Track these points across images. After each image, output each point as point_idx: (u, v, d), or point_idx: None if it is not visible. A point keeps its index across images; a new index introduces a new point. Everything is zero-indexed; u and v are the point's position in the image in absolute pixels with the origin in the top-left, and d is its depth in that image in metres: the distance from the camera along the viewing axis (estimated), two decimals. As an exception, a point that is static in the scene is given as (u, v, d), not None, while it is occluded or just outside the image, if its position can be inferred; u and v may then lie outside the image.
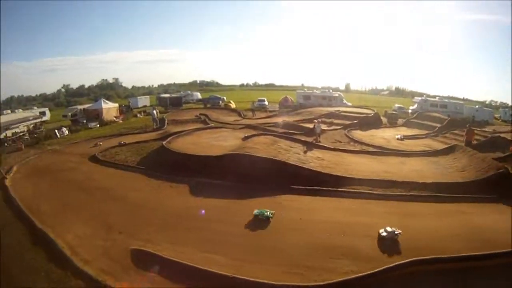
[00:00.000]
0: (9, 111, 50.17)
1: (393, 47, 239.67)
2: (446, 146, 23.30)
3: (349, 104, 54.30)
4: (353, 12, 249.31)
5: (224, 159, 17.85)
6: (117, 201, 14.98)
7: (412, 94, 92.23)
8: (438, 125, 34.21)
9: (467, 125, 28.04)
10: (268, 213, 12.45)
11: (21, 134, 39.21)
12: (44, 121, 51.67)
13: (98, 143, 28.43)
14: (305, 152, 21.02)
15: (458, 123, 35.16)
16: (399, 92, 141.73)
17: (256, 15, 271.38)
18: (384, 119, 40.53)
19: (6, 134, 38.56)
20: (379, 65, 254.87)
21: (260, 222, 12.11)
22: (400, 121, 41.13)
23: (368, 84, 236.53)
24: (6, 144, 34.57)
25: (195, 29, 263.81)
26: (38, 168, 22.87)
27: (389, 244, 10.34)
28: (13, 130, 40.00)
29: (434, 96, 62.51)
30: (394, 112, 46.23)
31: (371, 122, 35.82)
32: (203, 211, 13.20)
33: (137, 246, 10.74)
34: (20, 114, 48.17)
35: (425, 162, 20.11)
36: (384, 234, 10.65)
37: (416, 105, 52.29)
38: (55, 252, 10.78)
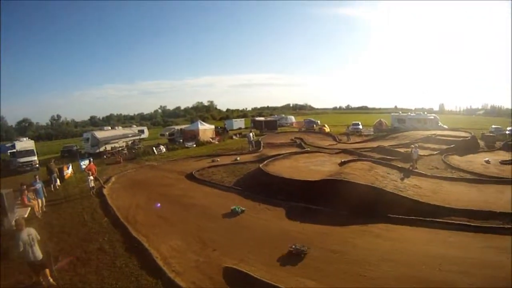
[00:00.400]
0: (109, 128, 54.49)
1: (486, 61, 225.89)
2: None
3: (445, 126, 52.64)
4: (443, 30, 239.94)
5: (321, 185, 17.56)
6: (212, 219, 15.23)
7: (509, 113, 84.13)
8: None
9: None
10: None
11: (120, 148, 42.40)
12: (142, 138, 55.63)
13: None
14: (402, 179, 20.42)
15: None
16: (495, 111, 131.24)
17: (346, 39, 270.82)
18: (481, 142, 37.75)
19: (105, 147, 42.05)
20: (473, 82, 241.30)
21: (353, 249, 11.64)
22: (498, 143, 37.93)
23: (463, 103, 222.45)
24: (105, 157, 37.59)
25: (287, 53, 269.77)
26: (135, 181, 24.45)
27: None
28: (113, 145, 43.49)
29: None
30: (491, 134, 43.14)
31: (468, 146, 33.60)
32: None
33: (230, 265, 10.68)
34: (119, 130, 52.20)
35: None
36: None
37: None
38: (147, 261, 11.08)
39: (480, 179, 21.23)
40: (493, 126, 52.40)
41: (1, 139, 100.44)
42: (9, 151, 40.36)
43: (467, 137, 37.27)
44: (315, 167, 23.87)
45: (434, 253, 11.06)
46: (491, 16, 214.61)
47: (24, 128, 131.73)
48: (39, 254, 10.04)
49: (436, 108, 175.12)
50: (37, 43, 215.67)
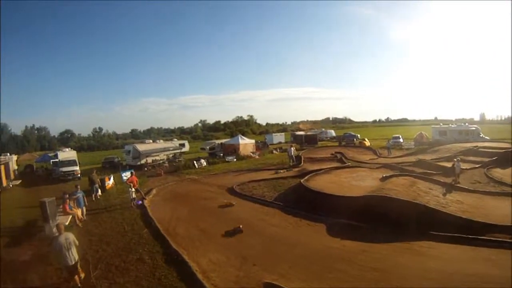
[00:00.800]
0: (151, 141, 55.55)
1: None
2: None
3: (487, 138, 51.25)
4: (481, 37, 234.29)
5: (363, 201, 17.28)
6: (253, 234, 15.00)
7: None
8: None
9: None
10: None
11: (161, 161, 43.02)
12: (183, 152, 56.25)
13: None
14: (444, 194, 19.97)
15: None
16: None
17: (384, 51, 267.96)
18: None
19: (146, 160, 42.73)
20: None
21: (394, 268, 11.18)
22: None
23: (504, 112, 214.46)
24: (146, 169, 38.17)
25: (325, 66, 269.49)
26: (176, 193, 24.70)
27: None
28: (154, 158, 44.17)
29: None
30: None
31: (510, 158, 31.87)
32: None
33: (270, 280, 10.46)
34: (161, 144, 53.14)
35: None
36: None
37: None
38: (187, 273, 10.96)
39: None
40: None
41: (45, 149, 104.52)
42: (52, 161, 41.75)
43: (509, 148, 35.91)
44: (356, 183, 23.69)
45: (475, 272, 10.63)
46: None
47: (67, 138, 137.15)
48: (74, 259, 10.37)
49: (477, 118, 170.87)
50: (81, 57, 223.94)
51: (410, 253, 12.36)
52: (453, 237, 13.45)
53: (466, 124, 60.72)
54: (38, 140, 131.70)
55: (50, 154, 48.71)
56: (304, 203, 19.16)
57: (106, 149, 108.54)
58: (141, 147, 45.68)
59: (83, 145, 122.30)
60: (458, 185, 22.45)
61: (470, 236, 13.34)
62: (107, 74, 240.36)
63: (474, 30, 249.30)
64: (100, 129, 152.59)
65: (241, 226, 15.55)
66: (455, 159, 25.37)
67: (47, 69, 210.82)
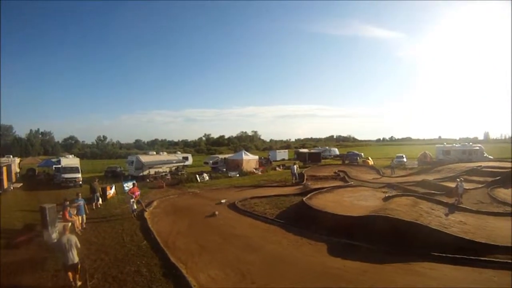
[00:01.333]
0: (154, 152, 55.60)
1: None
2: None
3: (490, 157, 52.12)
4: (483, 56, 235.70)
5: (365, 221, 17.32)
6: (253, 251, 14.86)
7: None
8: None
9: None
10: None
11: (164, 174, 42.99)
12: (186, 165, 56.19)
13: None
14: (447, 215, 20.06)
15: None
16: None
17: (389, 70, 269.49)
18: None
19: (149, 171, 42.73)
20: None
21: None
22: None
23: (508, 131, 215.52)
24: (148, 180, 38.15)
25: (331, 85, 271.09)
26: (177, 207, 24.60)
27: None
28: (156, 169, 44.18)
29: None
30: None
31: None
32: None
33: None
34: (164, 156, 53.18)
35: None
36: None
37: None
38: (184, 288, 10.88)
39: None
40: None
41: (48, 154, 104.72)
42: (54, 166, 41.86)
43: None
44: (359, 202, 23.79)
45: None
46: None
47: (70, 145, 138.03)
48: (74, 259, 10.81)
49: (481, 137, 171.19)
50: (90, 65, 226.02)
51: (412, 274, 12.25)
52: (455, 258, 13.40)
53: (470, 143, 61.69)
54: (42, 145, 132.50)
55: (53, 160, 48.84)
56: (306, 221, 19.11)
57: (110, 158, 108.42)
58: (144, 158, 45.80)
59: (87, 152, 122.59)
60: (460, 205, 22.56)
61: (472, 257, 13.32)
62: (115, 83, 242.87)
63: (478, 50, 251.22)
64: (104, 137, 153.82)
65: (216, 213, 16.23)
66: (458, 180, 25.47)
67: (54, 73, 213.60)
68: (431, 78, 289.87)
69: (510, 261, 12.88)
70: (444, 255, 13.67)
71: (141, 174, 42.22)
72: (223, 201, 25.51)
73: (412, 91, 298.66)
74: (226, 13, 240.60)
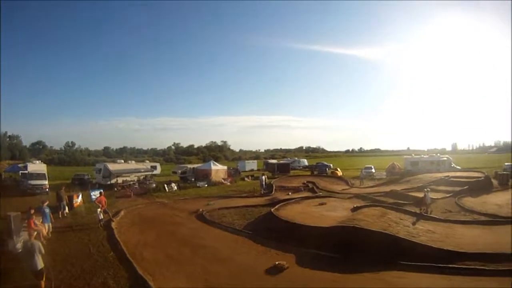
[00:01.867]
0: (122, 161, 54.83)
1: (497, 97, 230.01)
2: None
3: (458, 167, 53.37)
4: (453, 69, 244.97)
5: (333, 231, 17.37)
6: (221, 262, 14.81)
7: None
8: None
9: None
10: None
11: (132, 183, 42.40)
12: (154, 174, 55.63)
13: (211, 202, 29.57)
14: (415, 224, 20.33)
15: None
16: (508, 147, 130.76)
17: (358, 82, 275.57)
18: (494, 181, 37.50)
19: (117, 180, 42.11)
20: (484, 119, 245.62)
21: None
22: None
23: (475, 141, 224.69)
24: (116, 189, 37.58)
25: (301, 96, 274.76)
26: (145, 217, 24.32)
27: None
28: (124, 178, 43.56)
29: None
30: (505, 172, 42.57)
31: (481, 187, 33.74)
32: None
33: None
34: (132, 164, 52.40)
35: None
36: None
37: None
38: (151, 300, 10.74)
39: (495, 220, 21.34)
40: (506, 164, 52.15)
41: (15, 158, 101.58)
42: (21, 172, 40.69)
43: (480, 177, 37.73)
44: (327, 213, 23.78)
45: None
46: (500, 53, 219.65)
47: (38, 150, 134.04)
48: (37, 265, 10.85)
49: (449, 148, 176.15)
50: (59, 69, 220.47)
51: (381, 283, 12.38)
52: (424, 266, 13.59)
53: (438, 154, 63.08)
54: (9, 149, 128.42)
55: (19, 165, 47.52)
56: (274, 232, 18.99)
57: (78, 165, 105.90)
58: (112, 167, 45.17)
59: (54, 158, 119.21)
60: (429, 214, 22.97)
61: (441, 265, 13.53)
62: (85, 89, 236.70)
63: (445, 62, 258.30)
64: (73, 143, 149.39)
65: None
66: (425, 190, 25.96)
67: (23, 75, 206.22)
68: (400, 90, 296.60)
69: (479, 267, 13.21)
70: (412, 263, 13.84)
71: (109, 182, 41.55)
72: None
73: (381, 103, 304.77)
74: (202, 25, 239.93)
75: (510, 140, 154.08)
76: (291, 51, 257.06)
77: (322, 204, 27.26)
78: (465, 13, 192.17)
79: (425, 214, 22.88)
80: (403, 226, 19.29)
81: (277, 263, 14.18)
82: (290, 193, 32.93)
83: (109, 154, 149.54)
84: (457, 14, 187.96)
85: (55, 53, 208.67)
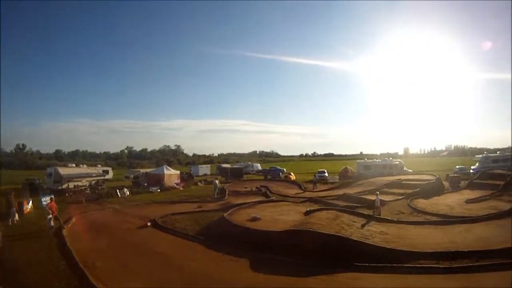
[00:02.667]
0: (74, 165, 53.48)
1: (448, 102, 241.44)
2: None
3: (410, 171, 54.51)
4: (405, 76, 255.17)
5: (286, 235, 17.52)
6: (174, 269, 14.72)
7: (472, 152, 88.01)
8: (502, 183, 32.34)
9: None
10: None
11: (83, 188, 41.36)
12: (106, 179, 54.39)
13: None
14: (368, 226, 20.58)
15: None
16: (458, 151, 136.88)
17: (312, 87, 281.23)
18: (445, 184, 39.10)
19: (68, 185, 40.97)
20: (435, 124, 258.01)
21: None
22: (463, 183, 39.54)
23: (427, 145, 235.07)
24: (67, 195, 36.52)
25: (255, 100, 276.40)
26: (97, 223, 23.78)
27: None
28: (76, 183, 42.44)
29: (496, 151, 59.83)
30: (455, 174, 45.09)
31: (433, 189, 34.82)
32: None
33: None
34: (84, 169, 51.21)
35: (492, 227, 19.22)
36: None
37: (477, 164, 51.61)
38: (105, 310, 10.63)
39: (446, 220, 21.98)
40: (457, 167, 54.90)
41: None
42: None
43: (431, 180, 38.42)
44: (280, 217, 23.90)
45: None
46: (451, 59, 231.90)
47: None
48: None
49: (401, 152, 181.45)
50: (12, 68, 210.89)
51: (336, 285, 12.57)
52: (378, 267, 13.85)
53: (390, 158, 64.90)
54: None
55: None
56: (227, 237, 18.98)
57: (29, 169, 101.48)
58: (63, 171, 43.96)
59: (4, 162, 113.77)
60: (381, 216, 23.32)
61: (396, 264, 13.85)
62: (37, 88, 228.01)
63: (398, 69, 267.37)
64: (24, 146, 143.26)
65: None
66: (376, 193, 26.67)
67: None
68: (353, 96, 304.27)
69: (433, 265, 13.68)
70: (367, 264, 14.08)
71: (60, 187, 40.40)
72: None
73: (334, 109, 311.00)
74: (160, 32, 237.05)
75: (461, 144, 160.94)
76: (246, 59, 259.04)
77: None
78: (418, 27, 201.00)
79: (377, 216, 23.24)
80: (356, 229, 19.53)
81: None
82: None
83: (61, 157, 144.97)
84: (404, 28, 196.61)
85: (4, 50, 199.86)
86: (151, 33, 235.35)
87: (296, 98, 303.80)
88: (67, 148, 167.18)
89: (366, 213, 24.08)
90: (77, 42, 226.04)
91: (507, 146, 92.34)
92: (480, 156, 54.04)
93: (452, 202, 29.39)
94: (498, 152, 55.66)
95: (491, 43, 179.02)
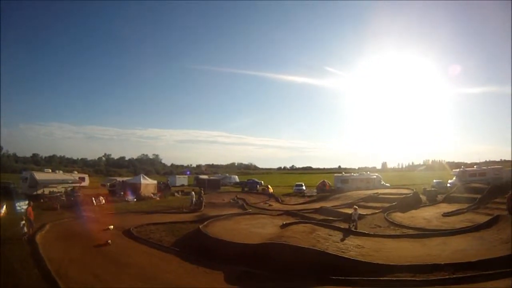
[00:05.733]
0: (50, 170, 52.41)
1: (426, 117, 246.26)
2: (489, 218, 22.77)
3: (387, 185, 55.00)
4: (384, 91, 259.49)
5: (261, 248, 17.52)
6: (148, 280, 14.54)
7: (450, 166, 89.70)
8: (479, 196, 32.98)
9: (510, 192, 26.08)
10: None
11: (58, 194, 40.50)
12: (82, 186, 53.41)
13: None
14: (344, 240, 20.56)
15: (500, 190, 32.96)
16: (436, 166, 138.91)
17: (292, 101, 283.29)
18: (423, 197, 39.56)
19: (43, 191, 40.10)
20: (413, 139, 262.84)
21: None
22: (440, 197, 39.95)
23: (404, 160, 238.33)
24: (42, 200, 35.73)
25: (236, 113, 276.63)
26: (71, 231, 23.20)
27: None
28: (51, 189, 41.58)
29: (473, 165, 60.77)
30: (433, 188, 45.64)
31: (410, 203, 35.25)
32: None
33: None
34: (60, 175, 50.37)
35: (469, 239, 19.55)
36: None
37: (454, 178, 51.86)
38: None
39: (423, 233, 22.20)
40: (434, 181, 55.06)
41: None
42: None
43: (409, 193, 38.97)
44: (256, 230, 23.79)
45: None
46: (428, 75, 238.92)
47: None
48: None
49: (379, 167, 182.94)
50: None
51: None
52: (354, 280, 13.81)
53: (368, 172, 65.24)
54: None
55: None
56: (202, 249, 18.89)
57: (5, 172, 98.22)
58: (39, 176, 43.32)
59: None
60: (356, 230, 23.33)
61: (371, 278, 13.85)
62: (16, 90, 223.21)
63: (376, 85, 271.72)
64: (0, 148, 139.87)
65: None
66: (355, 207, 26.79)
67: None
68: (332, 111, 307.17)
69: (409, 278, 13.69)
70: (342, 278, 14.04)
71: (35, 193, 39.58)
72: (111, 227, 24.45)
73: (312, 123, 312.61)
74: (145, 41, 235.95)
75: (438, 159, 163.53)
76: (225, 73, 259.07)
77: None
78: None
79: (354, 230, 23.23)
80: (332, 242, 19.51)
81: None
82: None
83: (37, 161, 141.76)
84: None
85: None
86: (133, 42, 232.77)
87: (274, 112, 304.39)
88: (44, 153, 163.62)
89: (342, 226, 24.09)
90: (58, 46, 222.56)
91: (483, 160, 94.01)
92: (458, 170, 54.58)
93: (429, 215, 29.91)
94: (475, 166, 56.35)
95: (459, 66, 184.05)
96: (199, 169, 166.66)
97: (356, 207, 27.29)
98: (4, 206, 27.96)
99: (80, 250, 18.67)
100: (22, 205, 25.81)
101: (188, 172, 76.82)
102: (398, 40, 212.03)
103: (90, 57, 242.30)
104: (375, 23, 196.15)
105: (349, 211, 28.87)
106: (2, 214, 26.73)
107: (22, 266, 15.34)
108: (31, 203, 23.97)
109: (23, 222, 20.49)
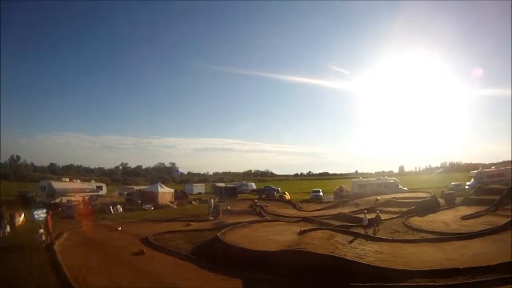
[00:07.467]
0: (67, 179, 52.89)
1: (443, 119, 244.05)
2: (508, 219, 22.44)
3: (405, 189, 54.24)
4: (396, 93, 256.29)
5: (280, 256, 17.34)
6: (164, 288, 14.54)
7: (467, 168, 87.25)
8: (497, 198, 32.10)
9: None
10: None
11: (76, 203, 40.89)
12: (100, 195, 53.93)
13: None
14: (363, 245, 20.32)
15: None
16: (454, 168, 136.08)
17: (307, 106, 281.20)
18: (441, 200, 38.59)
19: (61, 199, 40.56)
20: (430, 141, 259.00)
21: None
22: (458, 199, 38.97)
23: (422, 163, 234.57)
24: (60, 209, 36.12)
25: (252, 120, 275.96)
26: (89, 239, 23.45)
27: None
28: (69, 198, 42.03)
29: (490, 166, 59.39)
30: (450, 191, 44.35)
31: (428, 206, 34.54)
32: None
33: None
34: (78, 184, 50.87)
35: (488, 242, 19.22)
36: None
37: (472, 180, 50.97)
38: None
39: (442, 237, 21.81)
40: (452, 183, 53.91)
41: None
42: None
43: (426, 197, 38.26)
44: (274, 237, 23.63)
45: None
46: (445, 76, 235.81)
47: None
48: None
49: (396, 171, 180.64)
50: (4, 78, 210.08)
51: None
52: (373, 287, 13.58)
53: (385, 177, 64.62)
54: None
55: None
56: (220, 257, 18.71)
57: (22, 181, 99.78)
58: (56, 185, 43.86)
59: (1, 172, 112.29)
60: (375, 235, 23.16)
61: (391, 284, 13.59)
62: (33, 100, 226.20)
63: (392, 88, 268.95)
64: (18, 157, 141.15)
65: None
66: (364, 211, 26.35)
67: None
68: (348, 115, 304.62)
69: (429, 284, 13.40)
70: (361, 284, 13.80)
71: (53, 201, 40.07)
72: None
73: (329, 128, 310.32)
74: (158, 49, 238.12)
75: (456, 160, 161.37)
76: (240, 76, 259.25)
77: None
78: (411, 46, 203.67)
79: (372, 236, 22.99)
80: (350, 248, 19.36)
81: None
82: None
83: (55, 171, 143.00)
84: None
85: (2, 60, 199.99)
86: (146, 51, 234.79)
87: (290, 117, 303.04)
88: (61, 162, 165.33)
89: (361, 232, 23.78)
90: (78, 59, 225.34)
91: (501, 160, 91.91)
92: (475, 171, 53.84)
93: (447, 218, 29.33)
94: (493, 167, 55.20)
95: (481, 69, 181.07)
96: (215, 177, 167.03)
97: (365, 211, 27.12)
98: (23, 215, 28.33)
99: (98, 258, 18.73)
100: (40, 214, 26.10)
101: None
102: (414, 41, 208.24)
103: (107, 70, 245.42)
104: (392, 23, 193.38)
105: (369, 216, 28.23)
106: (20, 222, 27.07)
107: (39, 273, 15.45)
108: (50, 211, 24.18)
109: (41, 230, 20.68)
